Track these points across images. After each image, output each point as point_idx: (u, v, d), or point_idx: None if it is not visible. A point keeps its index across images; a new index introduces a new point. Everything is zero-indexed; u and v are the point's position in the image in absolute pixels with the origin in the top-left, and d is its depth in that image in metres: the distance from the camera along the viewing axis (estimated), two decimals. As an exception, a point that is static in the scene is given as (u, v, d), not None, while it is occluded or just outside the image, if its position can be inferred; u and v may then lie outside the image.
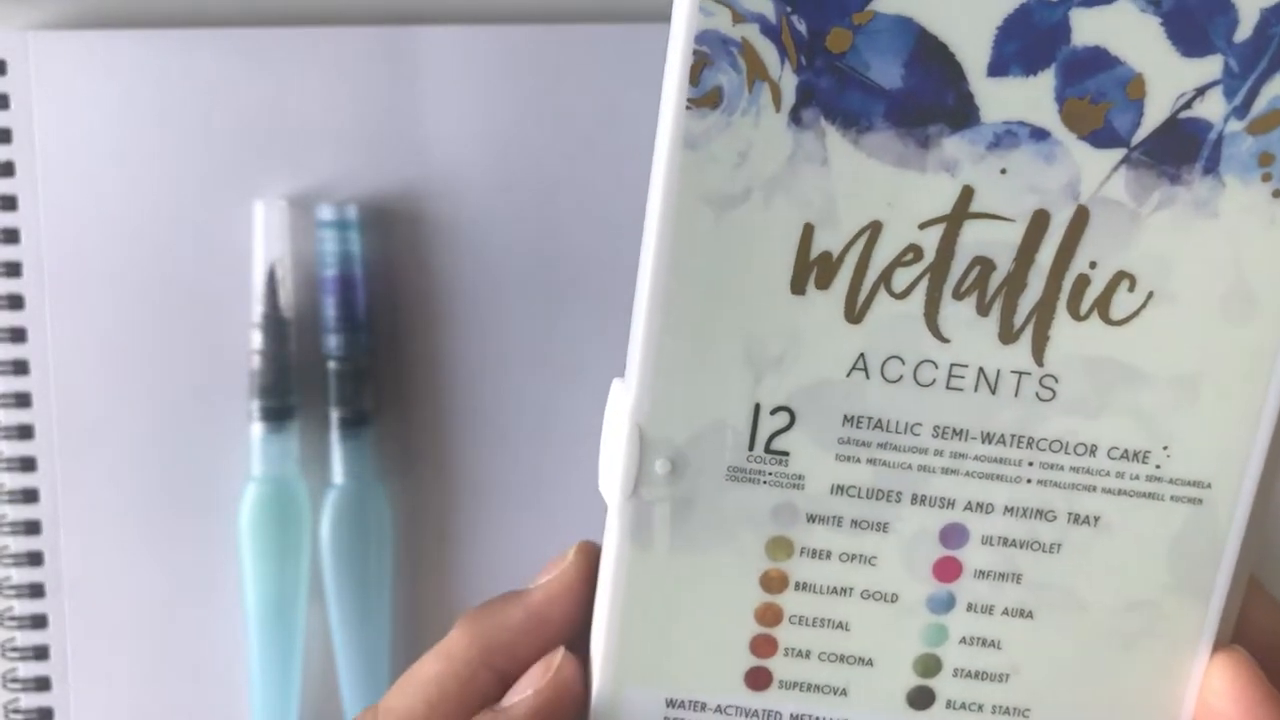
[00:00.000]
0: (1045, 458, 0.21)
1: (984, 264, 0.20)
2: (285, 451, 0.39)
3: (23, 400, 0.39)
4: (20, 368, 0.39)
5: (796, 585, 0.22)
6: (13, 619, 0.39)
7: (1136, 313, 0.21)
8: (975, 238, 0.20)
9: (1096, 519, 0.21)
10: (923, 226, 0.20)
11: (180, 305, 0.39)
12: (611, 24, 0.38)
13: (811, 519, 0.21)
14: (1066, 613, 0.22)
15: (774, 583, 0.22)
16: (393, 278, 0.39)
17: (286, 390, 0.38)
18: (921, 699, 0.22)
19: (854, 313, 0.20)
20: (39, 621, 0.39)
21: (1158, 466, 0.21)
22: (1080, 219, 0.20)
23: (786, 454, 0.21)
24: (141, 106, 0.38)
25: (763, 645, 0.22)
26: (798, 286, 0.20)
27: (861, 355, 0.21)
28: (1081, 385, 0.21)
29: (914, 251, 0.20)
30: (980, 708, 0.22)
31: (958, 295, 0.20)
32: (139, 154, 0.38)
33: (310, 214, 0.38)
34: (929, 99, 0.20)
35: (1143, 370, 0.21)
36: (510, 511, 0.40)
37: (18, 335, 0.39)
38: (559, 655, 0.22)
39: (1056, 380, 0.21)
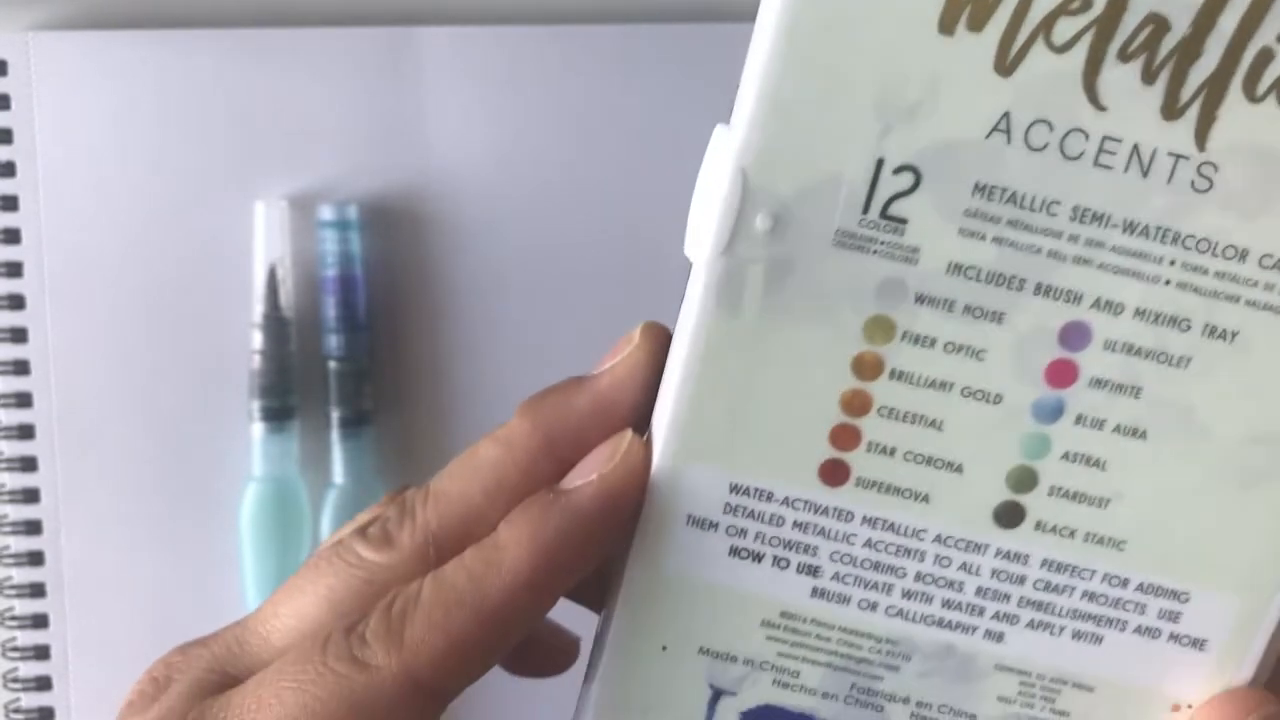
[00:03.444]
0: (1190, 257, 0.19)
1: (1158, 23, 0.18)
2: (285, 451, 0.39)
3: (23, 400, 0.39)
4: (20, 368, 0.39)
5: (892, 374, 0.19)
6: (13, 619, 0.39)
7: None
8: None
9: (1235, 334, 0.19)
10: None
11: (180, 305, 0.39)
12: (612, 24, 0.39)
13: (920, 299, 0.19)
14: (1184, 438, 0.20)
15: (868, 368, 0.19)
16: (393, 278, 0.39)
17: (287, 390, 0.39)
18: (1010, 516, 0.20)
19: (1005, 63, 0.18)
20: (39, 621, 0.39)
21: None
22: None
23: (905, 221, 0.19)
24: (141, 106, 0.38)
25: (845, 436, 0.20)
26: (946, 25, 0.18)
27: (1006, 115, 0.18)
28: (1243, 178, 0.18)
29: None
30: (1073, 534, 0.20)
31: (1124, 56, 0.18)
32: (139, 154, 0.38)
33: (310, 214, 0.39)
34: None
35: None
36: (510, 511, 0.40)
37: (18, 335, 0.39)
38: (626, 437, 0.20)
39: (1216, 169, 0.18)
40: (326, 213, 0.38)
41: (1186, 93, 0.18)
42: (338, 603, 0.21)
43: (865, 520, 0.20)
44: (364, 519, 0.23)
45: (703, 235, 0.19)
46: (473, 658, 0.19)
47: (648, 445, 0.20)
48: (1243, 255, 0.19)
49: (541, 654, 0.26)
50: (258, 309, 0.38)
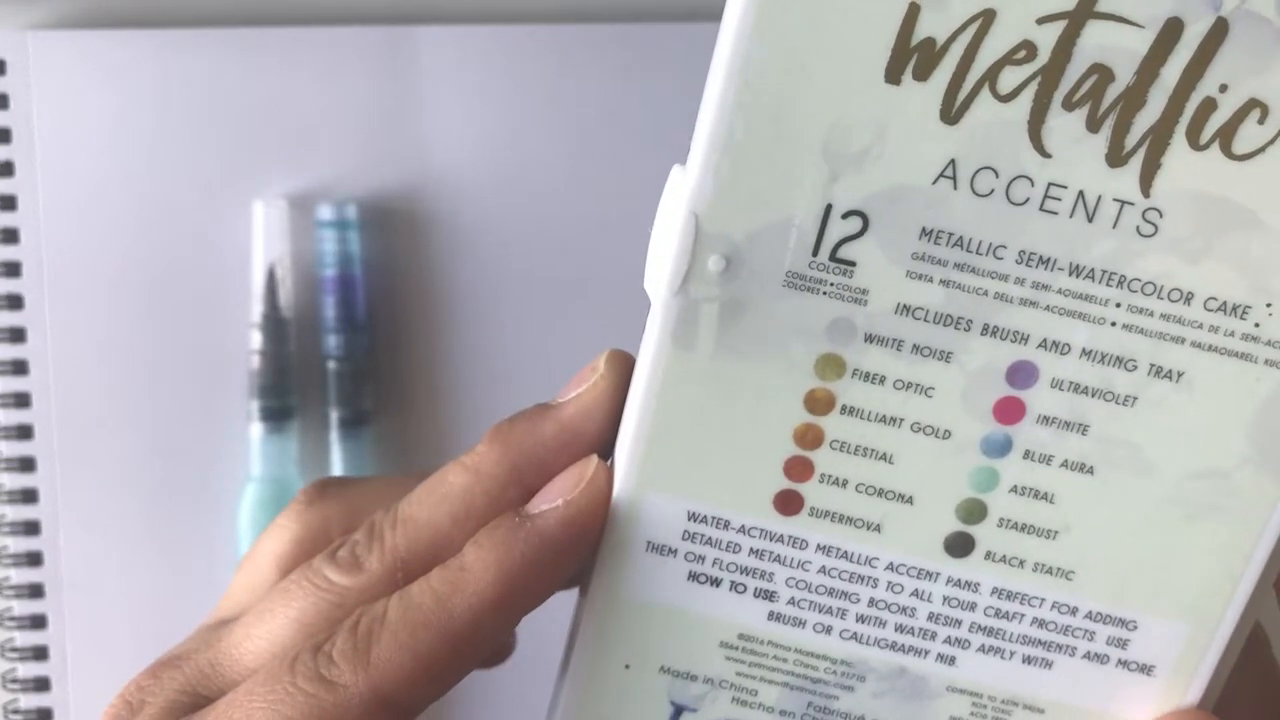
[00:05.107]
0: (1135, 300, 0.19)
1: (1102, 73, 0.18)
2: (285, 451, 0.39)
3: (22, 400, 0.39)
4: (20, 368, 0.39)
5: (843, 409, 0.20)
6: (12, 619, 0.39)
7: (1263, 149, 0.18)
8: (1097, 41, 0.18)
9: (1180, 374, 0.19)
10: (1041, 22, 0.18)
11: (180, 305, 0.39)
12: (612, 24, 0.38)
13: (870, 339, 0.20)
14: (1130, 473, 0.20)
15: (819, 403, 0.20)
16: (393, 278, 0.39)
17: (286, 390, 0.38)
18: (960, 546, 0.21)
19: (951, 112, 0.18)
20: (39, 622, 0.39)
21: (1256, 325, 0.19)
22: (1217, 33, 0.18)
23: (853, 264, 0.19)
24: (140, 106, 0.38)
25: (798, 468, 0.20)
26: (893, 75, 0.18)
27: (952, 161, 0.19)
28: (1187, 223, 0.19)
29: (1027, 49, 0.18)
30: (1022, 564, 0.21)
31: (1068, 105, 0.18)
32: (138, 153, 0.38)
33: (310, 214, 0.38)
34: None
35: (1258, 215, 0.19)
36: (510, 512, 0.40)
37: (17, 335, 0.39)
38: (592, 464, 0.21)
39: (1161, 215, 0.19)
40: (326, 212, 0.38)
41: (1131, 141, 0.18)
42: (307, 625, 0.21)
43: (819, 548, 0.21)
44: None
45: (659, 274, 0.19)
46: (438, 675, 0.20)
47: (611, 472, 0.21)
48: (1188, 298, 0.19)
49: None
50: (257, 309, 0.38)
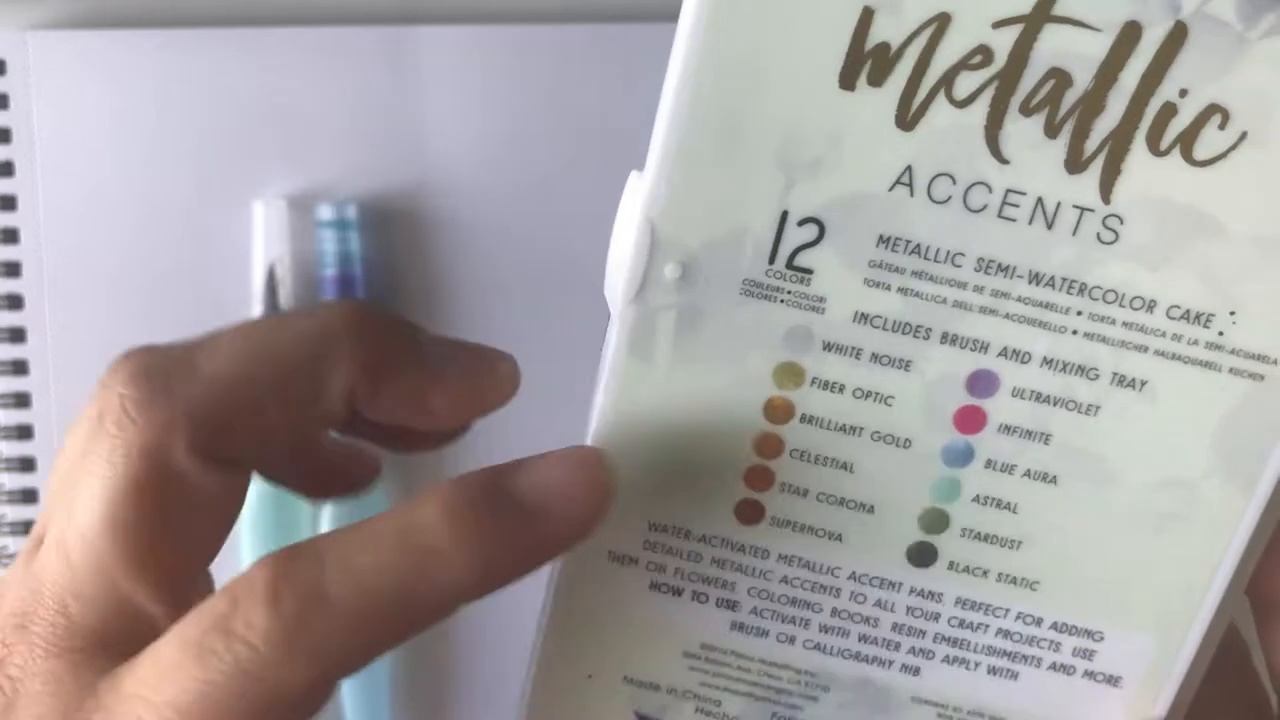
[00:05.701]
0: (1096, 308, 0.19)
1: (1060, 78, 0.18)
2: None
3: (22, 400, 0.39)
4: (20, 368, 0.39)
5: (802, 418, 0.20)
6: (12, 619, 0.39)
7: (1224, 154, 0.18)
8: (1054, 46, 0.18)
9: (1143, 383, 0.19)
10: (997, 26, 0.18)
11: (179, 305, 0.39)
12: (611, 24, 0.38)
13: (828, 347, 0.19)
14: (1094, 483, 0.20)
15: (778, 412, 0.20)
16: (393, 278, 0.39)
17: (286, 390, 0.38)
18: (922, 556, 0.20)
19: (907, 118, 0.18)
20: (38, 622, 0.39)
21: (1220, 333, 0.19)
22: (1177, 37, 0.17)
23: (810, 272, 0.19)
24: (140, 106, 0.38)
25: (758, 478, 0.20)
26: (847, 80, 0.18)
27: (909, 168, 0.18)
28: (1148, 231, 0.18)
29: (983, 54, 0.18)
30: (985, 574, 0.20)
31: (1025, 110, 0.18)
32: (138, 153, 0.38)
33: (310, 214, 0.38)
34: None
35: (1220, 222, 0.18)
36: (510, 512, 0.40)
37: (17, 335, 0.39)
38: (603, 464, 0.19)
39: (1121, 222, 0.18)
40: (325, 212, 0.38)
41: (1090, 146, 0.18)
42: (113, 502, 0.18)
43: (781, 558, 0.21)
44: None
45: (615, 283, 0.19)
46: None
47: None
48: (1150, 306, 0.19)
49: (342, 479, 0.25)
50: (257, 309, 0.38)
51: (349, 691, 0.39)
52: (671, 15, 0.20)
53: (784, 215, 0.19)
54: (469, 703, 0.41)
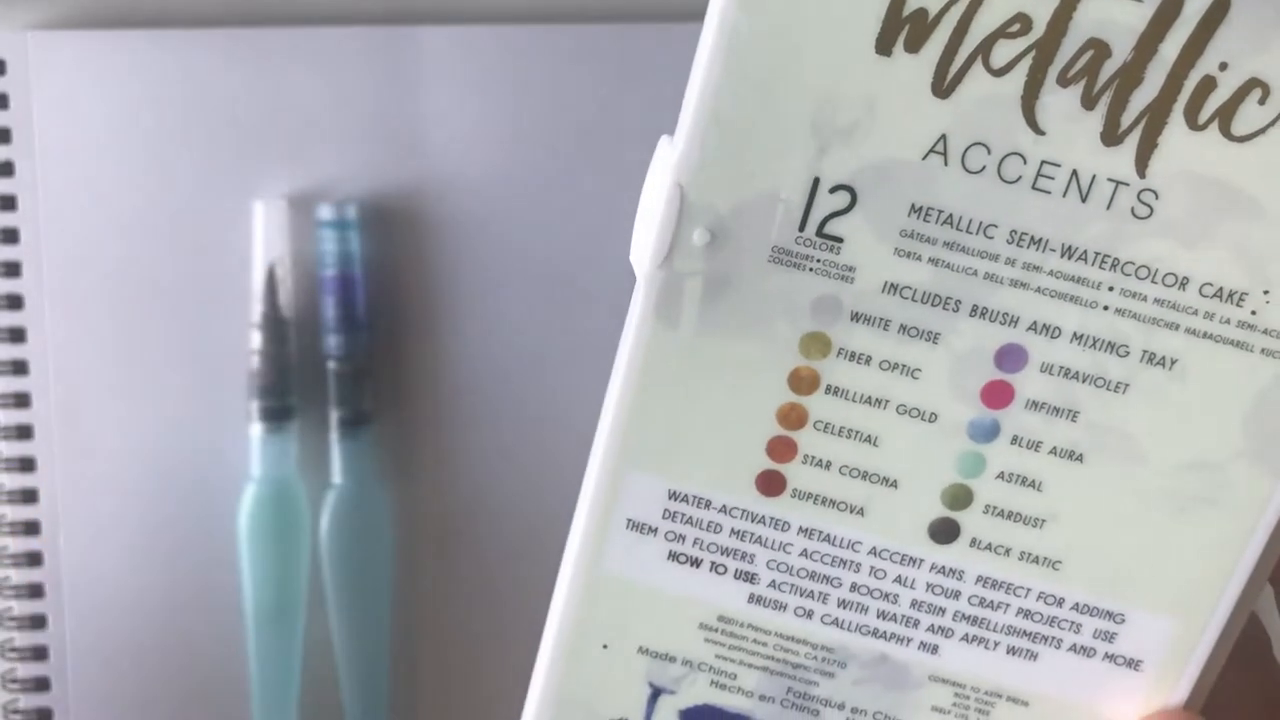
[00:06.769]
0: (1129, 284, 0.19)
1: (1099, 48, 0.18)
2: (285, 452, 0.39)
3: (22, 400, 0.39)
4: (20, 368, 0.39)
5: (828, 389, 0.19)
6: (12, 619, 0.39)
7: (1263, 130, 0.18)
8: (1094, 15, 0.17)
9: (1173, 361, 0.19)
10: None
11: (179, 305, 0.39)
12: (611, 24, 0.38)
13: (856, 317, 0.19)
14: (1121, 462, 0.20)
15: (803, 382, 0.19)
16: (393, 278, 0.39)
17: (286, 390, 0.38)
18: (945, 532, 0.20)
19: (943, 85, 0.18)
20: (38, 622, 0.39)
21: (1253, 313, 0.19)
22: (1219, 9, 0.17)
23: (840, 240, 0.19)
24: (140, 106, 0.38)
25: (781, 448, 0.20)
26: (884, 46, 0.18)
27: (943, 137, 0.18)
28: (1184, 206, 0.18)
29: (1022, 22, 0.17)
30: (1008, 552, 0.20)
31: (1063, 81, 0.18)
32: (138, 153, 0.38)
33: (310, 214, 0.38)
34: None
35: (1257, 199, 0.18)
36: (510, 511, 0.40)
37: (17, 335, 0.39)
38: None
39: (1157, 196, 0.18)
40: (326, 212, 0.38)
41: (1127, 119, 0.18)
42: None
43: (801, 530, 0.20)
44: None
45: (643, 248, 0.19)
46: None
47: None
48: (1183, 283, 0.19)
49: None
50: (256, 309, 0.38)
51: (346, 678, 0.39)
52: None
53: (815, 182, 0.18)
54: (469, 703, 0.41)
